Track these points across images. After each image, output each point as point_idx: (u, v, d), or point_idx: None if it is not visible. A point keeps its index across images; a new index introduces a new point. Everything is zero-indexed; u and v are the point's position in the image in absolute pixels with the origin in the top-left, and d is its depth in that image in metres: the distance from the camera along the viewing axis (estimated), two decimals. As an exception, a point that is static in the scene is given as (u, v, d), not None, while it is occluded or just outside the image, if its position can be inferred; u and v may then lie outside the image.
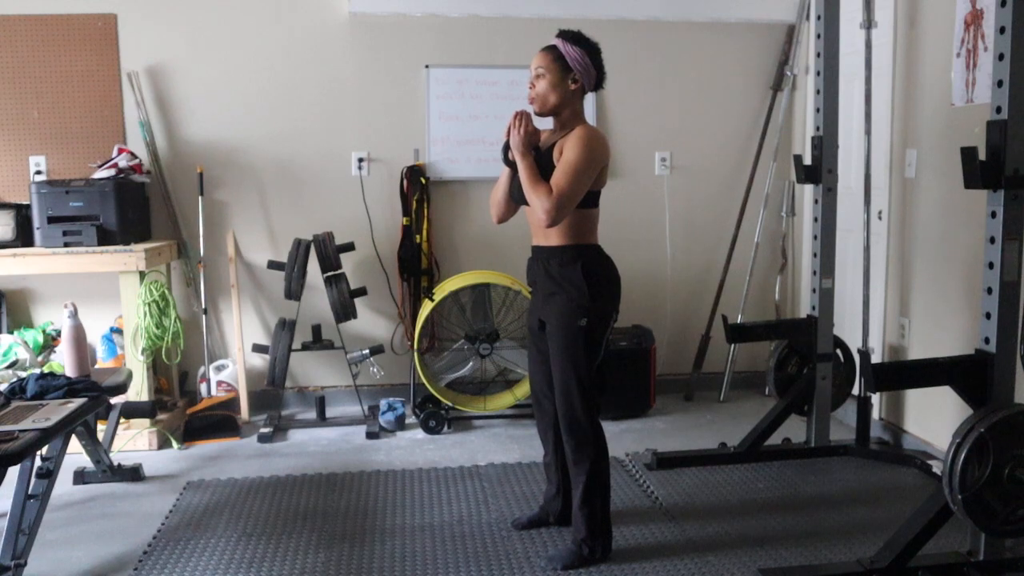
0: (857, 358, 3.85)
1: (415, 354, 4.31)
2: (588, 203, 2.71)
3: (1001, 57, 2.38)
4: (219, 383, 4.48)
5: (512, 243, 4.34)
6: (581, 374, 2.71)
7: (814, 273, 3.75)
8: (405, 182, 4.53)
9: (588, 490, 2.75)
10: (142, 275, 3.98)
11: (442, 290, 4.29)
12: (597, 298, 2.71)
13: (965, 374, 2.56)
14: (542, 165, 2.68)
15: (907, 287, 3.86)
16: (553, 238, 2.73)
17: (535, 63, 2.73)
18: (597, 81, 2.77)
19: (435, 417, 4.23)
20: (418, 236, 4.54)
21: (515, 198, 2.82)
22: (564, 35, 2.72)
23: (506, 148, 2.78)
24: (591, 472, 2.74)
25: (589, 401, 2.73)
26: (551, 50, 2.71)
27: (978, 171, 2.41)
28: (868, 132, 3.85)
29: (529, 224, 2.81)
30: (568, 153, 2.63)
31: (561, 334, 2.71)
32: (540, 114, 2.75)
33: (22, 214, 4.10)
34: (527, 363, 4.35)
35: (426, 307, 4.30)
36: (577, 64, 2.69)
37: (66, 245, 3.95)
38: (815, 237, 3.75)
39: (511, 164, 2.78)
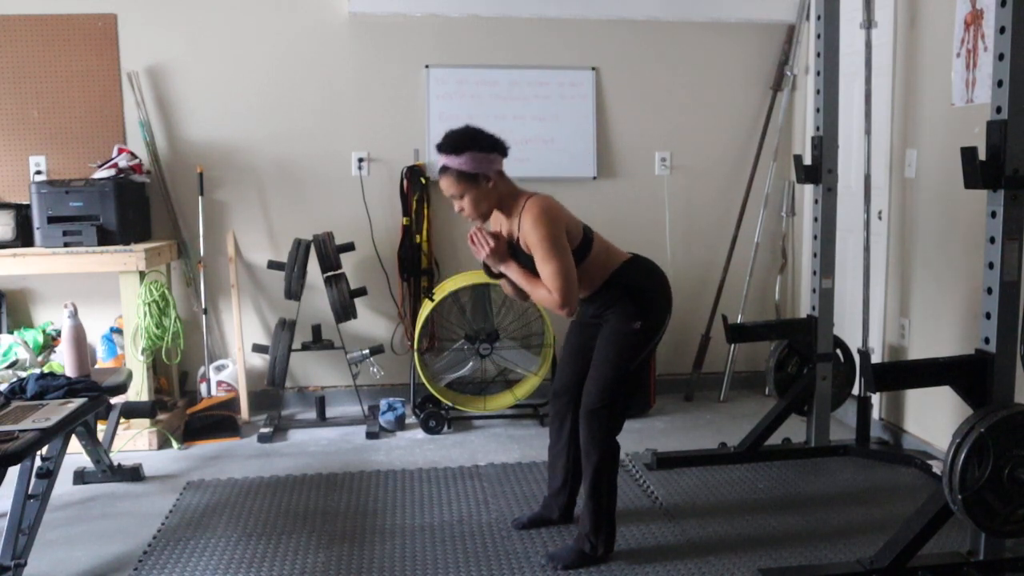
0: (857, 358, 3.85)
1: (415, 354, 4.31)
2: (582, 256, 2.71)
3: (1001, 57, 2.38)
4: (219, 383, 4.48)
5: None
6: (620, 375, 2.74)
7: (814, 273, 3.75)
8: (405, 182, 4.53)
9: (595, 483, 2.76)
10: (142, 275, 3.98)
11: (442, 290, 4.29)
12: (650, 308, 2.76)
13: (965, 374, 2.56)
14: (521, 260, 2.70)
15: (907, 287, 3.86)
16: (584, 292, 2.76)
17: (446, 191, 2.71)
18: (500, 152, 2.71)
19: (435, 417, 4.23)
20: (418, 236, 4.54)
21: (523, 292, 2.83)
22: (443, 149, 2.66)
23: (485, 265, 2.79)
24: (599, 466, 2.75)
25: (617, 403, 2.75)
26: (447, 172, 2.67)
27: (978, 171, 2.41)
28: (868, 132, 3.85)
29: None
30: (534, 247, 2.62)
31: (615, 334, 2.75)
32: (484, 222, 2.76)
33: (22, 214, 4.10)
34: (527, 362, 4.39)
35: (426, 307, 4.30)
36: (476, 166, 2.64)
37: (66, 245, 3.95)
38: (815, 237, 3.75)
39: (499, 275, 2.80)
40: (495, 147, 2.69)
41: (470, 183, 2.66)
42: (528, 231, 2.63)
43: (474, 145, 2.64)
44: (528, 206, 2.66)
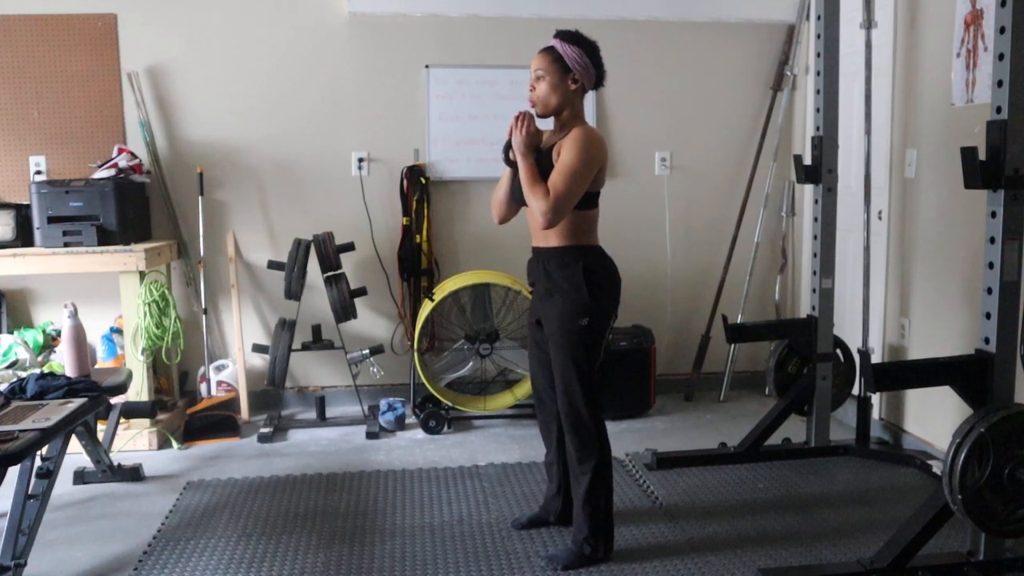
0: (857, 358, 3.85)
1: (415, 354, 4.31)
2: (587, 204, 2.71)
3: (1001, 57, 2.38)
4: (219, 383, 4.48)
5: (512, 243, 4.34)
6: (583, 373, 2.71)
7: (814, 273, 3.75)
8: (405, 182, 4.53)
9: (591, 489, 2.75)
10: (142, 275, 3.98)
11: (442, 290, 4.29)
12: (597, 298, 2.71)
13: (965, 374, 2.56)
14: (542, 166, 2.68)
15: (907, 287, 3.86)
16: (552, 239, 2.73)
17: (534, 65, 2.73)
18: (597, 79, 2.77)
19: (435, 417, 4.23)
20: (418, 236, 4.54)
21: (516, 199, 2.82)
22: (561, 35, 2.72)
23: (507, 148, 2.78)
24: (594, 471, 2.74)
25: (592, 400, 2.73)
26: (549, 51, 2.71)
27: (978, 171, 2.41)
28: (868, 132, 3.85)
29: (529, 225, 2.81)
30: (565, 155, 2.63)
31: (562, 333, 2.71)
32: (542, 115, 2.75)
33: (22, 214, 4.10)
34: (527, 362, 4.38)
35: (426, 307, 4.30)
36: (576, 64, 2.68)
37: (66, 245, 3.95)
38: (815, 237, 3.75)
39: (512, 164, 2.78)
40: (600, 70, 2.75)
41: (559, 72, 2.68)
42: (570, 140, 2.64)
43: (590, 50, 2.70)
44: (585, 128, 2.70)
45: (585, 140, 2.65)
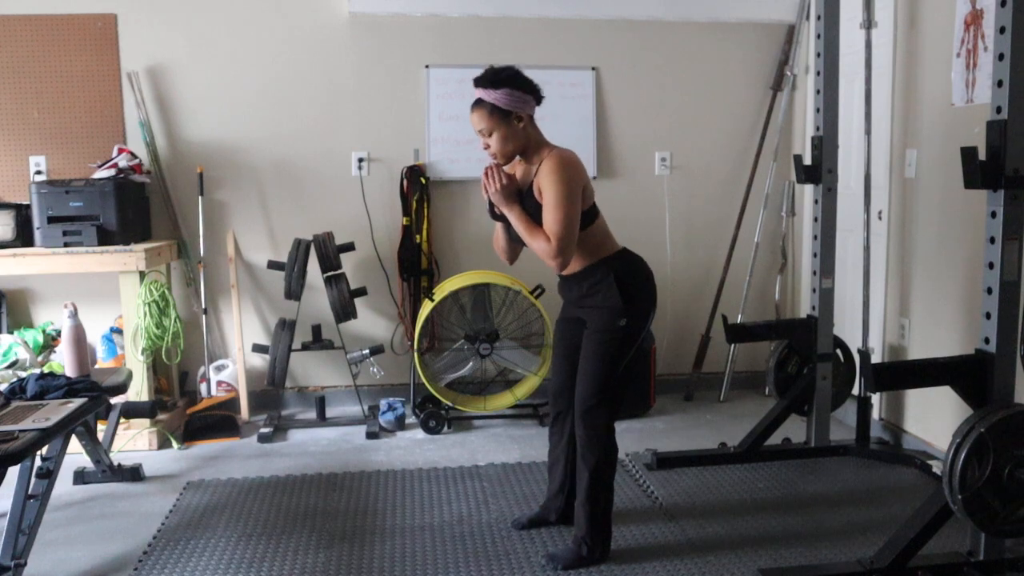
0: (857, 358, 3.85)
1: (415, 354, 4.31)
2: (588, 222, 2.70)
3: (1001, 57, 2.38)
4: (219, 383, 4.48)
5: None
6: (610, 370, 2.72)
7: (814, 273, 3.75)
8: (405, 182, 4.53)
9: (592, 486, 2.75)
10: (142, 275, 3.98)
11: (442, 290, 4.29)
12: (634, 300, 2.73)
13: (965, 374, 2.56)
14: (528, 208, 2.67)
15: (907, 287, 3.86)
16: (574, 266, 2.74)
17: (474, 123, 2.68)
18: (536, 100, 2.71)
19: (435, 417, 4.23)
20: (418, 236, 4.54)
21: (517, 240, 2.81)
22: (480, 83, 2.65)
23: (491, 204, 2.76)
24: (597, 468, 2.74)
25: (611, 398, 2.74)
26: (481, 105, 2.65)
27: (978, 171, 2.41)
28: (868, 132, 3.85)
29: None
30: (547, 192, 2.60)
31: (600, 331, 2.73)
32: (507, 163, 2.73)
33: (22, 214, 4.10)
34: (527, 362, 4.39)
35: (426, 307, 4.30)
36: (511, 103, 2.63)
37: (66, 245, 3.95)
38: (815, 237, 3.75)
39: (501, 217, 2.77)
40: (533, 90, 2.68)
41: (502, 119, 2.64)
42: (545, 175, 2.61)
43: (513, 82, 2.64)
44: (552, 155, 2.66)
45: (560, 168, 2.61)
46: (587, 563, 2.76)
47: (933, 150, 3.65)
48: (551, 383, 3.02)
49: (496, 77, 2.63)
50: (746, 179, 4.80)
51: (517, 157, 2.76)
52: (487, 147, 2.70)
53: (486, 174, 2.68)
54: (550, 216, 2.59)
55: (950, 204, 3.53)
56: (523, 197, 2.70)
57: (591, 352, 2.74)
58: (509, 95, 2.62)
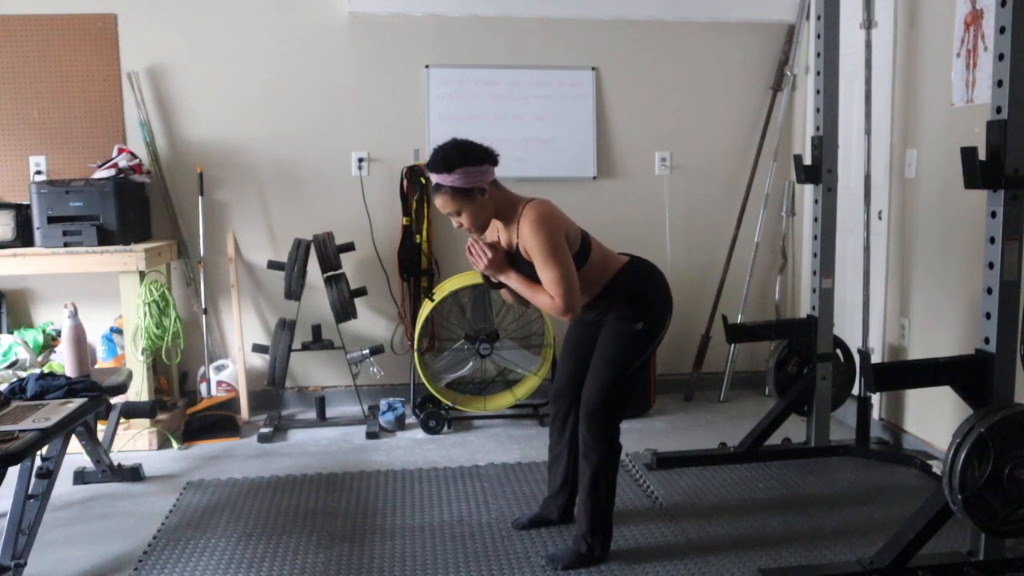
0: (857, 358, 3.85)
1: (415, 354, 4.31)
2: (581, 262, 2.69)
3: (1001, 57, 2.38)
4: (219, 383, 4.48)
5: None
6: (622, 372, 2.73)
7: (814, 273, 3.75)
8: (405, 182, 4.53)
9: (594, 484, 2.76)
10: (142, 275, 3.98)
11: (442, 290, 4.29)
12: (650, 307, 2.76)
13: (965, 374, 2.56)
14: (522, 269, 2.68)
15: (907, 287, 3.86)
16: (585, 297, 2.74)
17: (441, 208, 2.66)
18: (491, 162, 2.65)
19: (435, 417, 4.23)
20: (418, 236, 4.54)
21: (523, 300, 2.81)
22: (433, 169, 2.61)
23: (486, 276, 2.76)
24: (599, 466, 2.75)
25: (620, 399, 2.75)
26: (441, 190, 2.61)
27: (978, 171, 2.41)
28: (868, 132, 3.85)
29: None
30: (534, 253, 2.60)
31: (616, 336, 2.75)
32: (483, 232, 2.73)
33: (22, 214, 4.10)
34: (527, 362, 4.39)
35: (426, 307, 4.30)
36: (468, 180, 2.59)
37: (66, 245, 3.95)
38: (815, 237, 3.75)
39: (500, 284, 2.78)
40: (486, 158, 2.63)
41: (465, 198, 2.61)
42: (527, 237, 2.60)
43: (464, 160, 2.58)
44: (526, 212, 2.63)
45: (537, 227, 2.58)
46: (587, 561, 2.77)
47: (933, 150, 3.65)
48: (556, 380, 3.02)
49: (446, 161, 2.58)
50: (746, 179, 4.80)
51: (493, 220, 2.75)
52: (460, 225, 2.69)
53: (470, 251, 2.68)
54: (545, 276, 2.60)
55: (950, 204, 3.53)
56: (514, 259, 2.70)
57: (605, 353, 2.76)
58: (464, 174, 2.58)
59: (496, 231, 2.77)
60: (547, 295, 2.61)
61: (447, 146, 2.62)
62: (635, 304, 2.74)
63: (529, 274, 2.67)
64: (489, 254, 2.66)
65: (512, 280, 2.69)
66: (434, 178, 2.62)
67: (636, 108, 4.73)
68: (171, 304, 4.12)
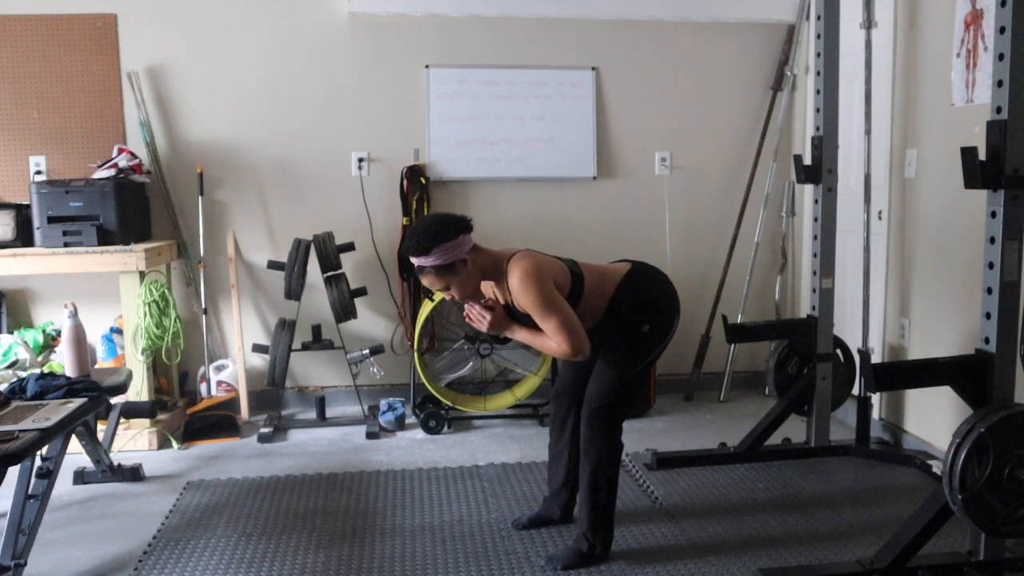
0: (857, 358, 3.85)
1: (415, 354, 4.31)
2: (575, 300, 2.68)
3: (1001, 57, 2.38)
4: (219, 383, 4.48)
5: (512, 243, 4.32)
6: (626, 371, 2.75)
7: (814, 273, 3.75)
8: (405, 182, 4.53)
9: (595, 481, 2.76)
10: (142, 275, 3.98)
11: (442, 290, 4.29)
12: (657, 312, 2.77)
13: (965, 374, 2.56)
14: (523, 321, 2.69)
15: (907, 287, 3.86)
16: (589, 323, 2.73)
17: (431, 287, 2.69)
18: (466, 232, 2.65)
19: (435, 417, 4.23)
20: (418, 236, 4.53)
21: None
22: (412, 254, 2.61)
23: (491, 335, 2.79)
24: (600, 464, 2.75)
25: (623, 400, 2.76)
26: (425, 271, 2.63)
27: (978, 171, 2.41)
28: (868, 132, 3.85)
29: None
30: (529, 309, 2.61)
31: (623, 337, 2.76)
32: (476, 297, 2.74)
33: (22, 214, 4.10)
34: (527, 362, 4.39)
35: (426, 307, 4.30)
36: (448, 256, 2.59)
37: (66, 245, 3.95)
38: (815, 237, 3.75)
39: (507, 340, 2.80)
40: (459, 229, 2.61)
41: (449, 273, 2.62)
42: (518, 295, 2.62)
43: (437, 239, 2.57)
44: (511, 270, 2.63)
45: (526, 285, 2.59)
46: (587, 560, 2.77)
47: (933, 150, 3.65)
48: (558, 379, 3.03)
49: (421, 245, 2.57)
50: (746, 179, 4.80)
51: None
52: (452, 298, 2.72)
53: (468, 317, 2.70)
54: (546, 327, 2.60)
55: (950, 204, 3.53)
56: (512, 312, 2.72)
57: (611, 355, 2.76)
58: (442, 252, 2.58)
59: (491, 288, 2.78)
60: (555, 346, 2.62)
61: (418, 228, 2.62)
62: (640, 312, 2.75)
63: (531, 324, 2.68)
64: (488, 316, 2.67)
65: (517, 334, 2.71)
66: (414, 261, 2.63)
67: (636, 108, 4.73)
68: (171, 304, 4.12)
